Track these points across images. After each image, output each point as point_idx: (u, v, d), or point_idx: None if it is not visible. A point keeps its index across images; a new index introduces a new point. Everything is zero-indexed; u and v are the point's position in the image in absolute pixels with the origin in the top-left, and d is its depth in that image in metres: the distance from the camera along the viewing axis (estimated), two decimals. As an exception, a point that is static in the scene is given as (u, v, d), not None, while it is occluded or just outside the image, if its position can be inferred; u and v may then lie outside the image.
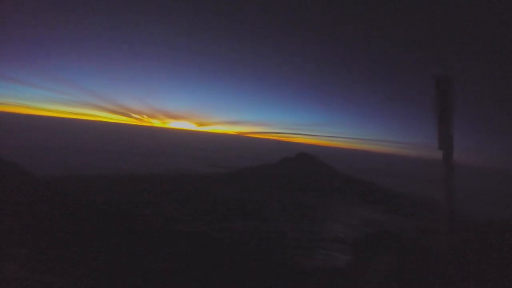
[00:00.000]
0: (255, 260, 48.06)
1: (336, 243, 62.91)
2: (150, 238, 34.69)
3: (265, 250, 55.89)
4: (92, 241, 27.19)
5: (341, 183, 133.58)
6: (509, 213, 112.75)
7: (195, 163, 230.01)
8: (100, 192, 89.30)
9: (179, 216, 73.75)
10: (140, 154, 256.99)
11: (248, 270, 39.88)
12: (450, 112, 6.49)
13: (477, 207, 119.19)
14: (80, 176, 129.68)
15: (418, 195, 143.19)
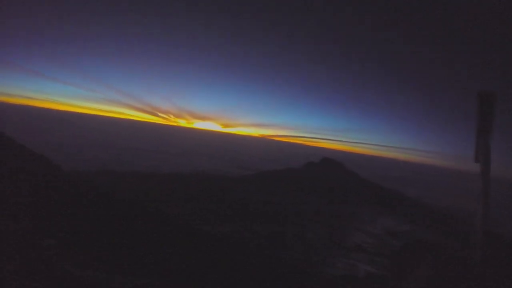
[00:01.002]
0: (276, 265, 48.09)
1: (359, 252, 62.13)
2: (172, 237, 35.12)
3: (287, 255, 55.63)
4: (116, 236, 27.75)
5: (366, 190, 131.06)
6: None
7: (219, 164, 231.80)
8: (126, 188, 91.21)
9: (203, 217, 74.40)
10: (167, 152, 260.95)
11: (270, 275, 39.96)
12: (491, 126, 6.48)
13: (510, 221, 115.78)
14: (107, 172, 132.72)
15: (445, 206, 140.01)
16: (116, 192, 64.79)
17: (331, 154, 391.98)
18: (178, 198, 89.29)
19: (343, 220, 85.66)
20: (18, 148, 45.51)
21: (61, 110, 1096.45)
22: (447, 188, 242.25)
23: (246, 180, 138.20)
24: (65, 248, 20.40)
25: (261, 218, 77.49)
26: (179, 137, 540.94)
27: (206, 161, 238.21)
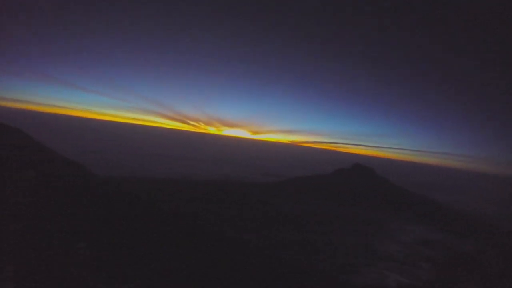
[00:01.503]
0: (301, 272, 47.53)
1: (389, 261, 60.57)
2: (201, 243, 35.22)
3: (314, 263, 54.82)
4: (146, 240, 28.15)
5: (397, 197, 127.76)
6: None
7: (249, 170, 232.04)
8: (156, 194, 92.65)
9: (231, 224, 74.56)
10: (196, 159, 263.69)
11: (295, 283, 39.51)
12: None
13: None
14: (139, 178, 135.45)
15: (479, 213, 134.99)
16: (147, 198, 65.96)
17: (362, 160, 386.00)
18: (206, 205, 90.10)
19: (372, 227, 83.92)
20: (52, 154, 46.91)
21: (94, 119, 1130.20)
22: (481, 194, 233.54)
23: (274, 187, 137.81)
24: (94, 251, 21.00)
25: (289, 225, 76.99)
26: (209, 144, 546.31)
27: (234, 168, 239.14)
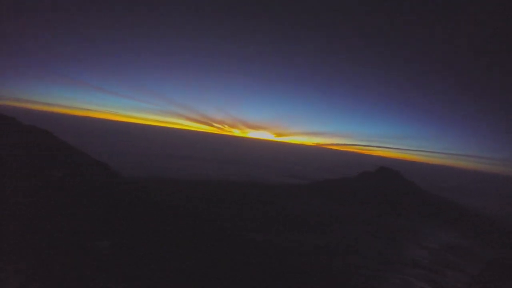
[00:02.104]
0: (325, 277, 47.37)
1: (415, 268, 59.42)
2: (223, 244, 35.61)
3: (336, 268, 54.47)
4: (166, 240, 28.66)
5: (424, 201, 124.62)
6: None
7: (272, 172, 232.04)
8: (180, 195, 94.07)
9: (254, 225, 74.99)
10: (220, 161, 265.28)
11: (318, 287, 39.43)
12: None
13: None
14: (163, 179, 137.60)
15: (509, 219, 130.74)
16: (171, 199, 67.07)
17: (388, 162, 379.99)
18: (229, 207, 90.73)
19: (398, 232, 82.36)
20: (79, 155, 48.32)
21: (120, 121, 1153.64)
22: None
23: (299, 189, 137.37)
24: (117, 249, 21.62)
25: (313, 229, 76.76)
26: (233, 146, 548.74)
27: (258, 169, 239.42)
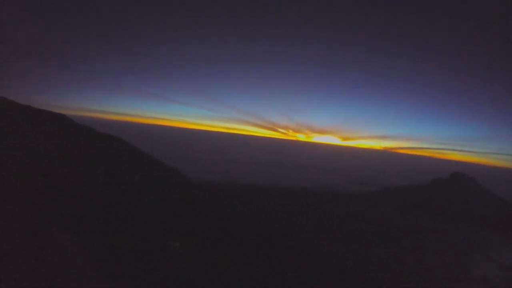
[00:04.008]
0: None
1: (484, 286, 56.36)
2: (287, 251, 36.77)
3: (404, 282, 53.61)
4: (236, 244, 30.15)
5: (501, 212, 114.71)
6: None
7: (338, 178, 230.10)
8: (246, 199, 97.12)
9: (320, 233, 75.58)
10: (285, 167, 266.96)
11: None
12: None
13: None
14: (230, 184, 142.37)
15: None
16: (239, 204, 69.56)
17: (461, 167, 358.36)
18: (295, 213, 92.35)
19: (470, 246, 77.69)
20: (150, 160, 52.06)
21: (187, 129, 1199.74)
22: None
23: (367, 196, 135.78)
24: (186, 251, 23.28)
25: (380, 239, 75.75)
26: (298, 152, 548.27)
27: (323, 175, 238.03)
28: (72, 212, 20.56)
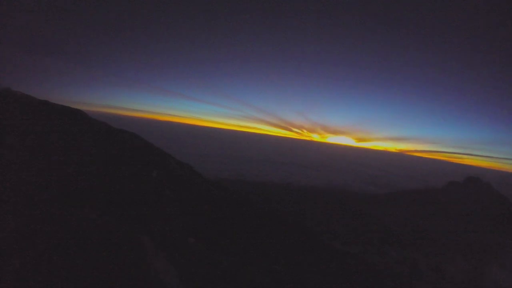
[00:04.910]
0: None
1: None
2: (305, 251, 37.79)
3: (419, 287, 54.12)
4: (252, 241, 31.12)
5: None
6: None
7: (353, 179, 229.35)
8: (260, 196, 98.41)
9: (334, 233, 76.36)
10: (299, 165, 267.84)
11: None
12: None
13: None
14: (244, 181, 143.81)
15: None
16: (253, 201, 70.78)
17: (477, 172, 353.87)
18: (309, 212, 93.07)
19: (486, 252, 77.47)
20: (166, 157, 53.50)
21: (203, 126, 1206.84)
22: None
23: (381, 198, 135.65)
24: (204, 246, 23.96)
25: (393, 241, 76.11)
26: (312, 151, 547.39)
27: (337, 175, 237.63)
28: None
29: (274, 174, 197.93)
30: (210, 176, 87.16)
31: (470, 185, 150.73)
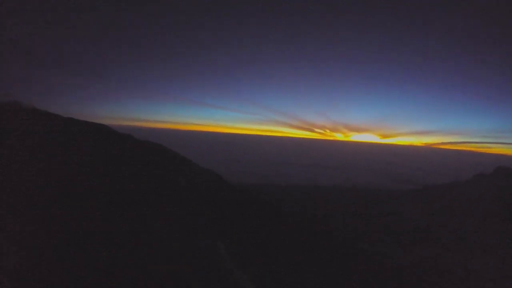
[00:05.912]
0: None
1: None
2: (328, 252, 37.89)
3: (446, 285, 53.01)
4: (277, 244, 31.40)
5: None
6: None
7: (378, 177, 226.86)
8: (286, 199, 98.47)
9: (359, 233, 75.89)
10: (323, 166, 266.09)
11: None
12: None
13: None
14: (268, 184, 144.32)
15: None
16: (279, 205, 70.88)
17: (508, 161, 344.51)
18: (335, 212, 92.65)
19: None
20: (192, 165, 54.24)
21: (225, 133, 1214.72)
22: None
23: (408, 195, 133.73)
24: (231, 250, 24.33)
25: (420, 240, 74.94)
26: (336, 151, 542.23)
27: (363, 174, 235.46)
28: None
29: (299, 176, 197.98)
30: (235, 181, 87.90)
31: (500, 176, 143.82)
